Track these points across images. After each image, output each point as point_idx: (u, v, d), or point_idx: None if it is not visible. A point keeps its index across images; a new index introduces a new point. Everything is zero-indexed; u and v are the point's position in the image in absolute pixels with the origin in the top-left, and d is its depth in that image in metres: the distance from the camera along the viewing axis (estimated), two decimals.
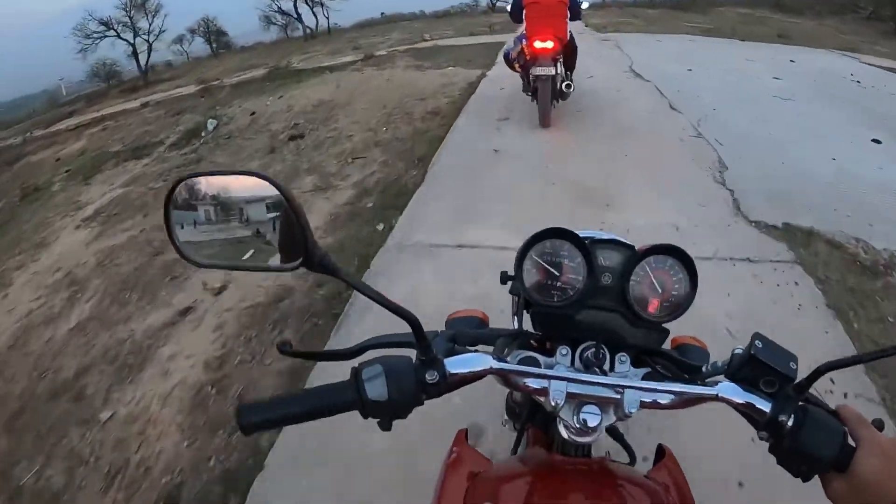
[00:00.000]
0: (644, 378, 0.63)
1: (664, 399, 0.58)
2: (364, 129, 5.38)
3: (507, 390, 0.90)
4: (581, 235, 0.68)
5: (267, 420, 0.53)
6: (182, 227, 0.55)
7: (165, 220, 0.54)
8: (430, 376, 0.55)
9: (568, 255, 0.68)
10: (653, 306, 0.66)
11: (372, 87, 7.05)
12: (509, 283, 0.77)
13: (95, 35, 23.06)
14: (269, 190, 0.51)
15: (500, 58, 6.48)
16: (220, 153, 5.81)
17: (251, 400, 0.54)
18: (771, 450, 0.55)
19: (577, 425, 0.59)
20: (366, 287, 0.52)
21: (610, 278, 0.67)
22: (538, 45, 4.10)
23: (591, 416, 0.58)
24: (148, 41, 24.29)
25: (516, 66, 4.53)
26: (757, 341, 0.55)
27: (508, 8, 4.67)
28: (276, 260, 0.54)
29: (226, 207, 0.54)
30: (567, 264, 0.68)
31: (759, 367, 0.55)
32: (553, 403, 0.58)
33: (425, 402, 0.56)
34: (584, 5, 4.76)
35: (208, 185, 0.54)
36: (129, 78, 23.61)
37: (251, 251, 0.55)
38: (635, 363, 0.65)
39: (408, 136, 4.93)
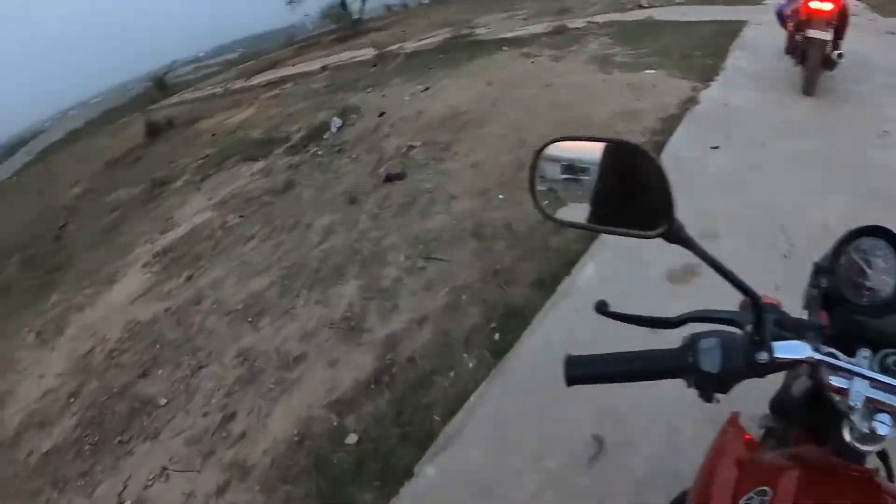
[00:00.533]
0: None
1: None
2: (476, 185, 3.62)
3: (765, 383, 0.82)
4: None
5: (592, 375, 0.57)
6: (544, 185, 0.58)
7: (530, 178, 0.58)
8: (760, 357, 0.56)
9: (882, 256, 0.65)
10: None
11: (527, 95, 5.09)
12: (820, 276, 0.71)
13: None
14: (639, 155, 0.52)
15: (730, 63, 5.07)
16: (315, 178, 4.68)
17: (580, 355, 0.57)
18: None
19: (866, 431, 0.56)
20: (719, 263, 0.53)
21: None
22: (815, 4, 3.80)
23: (882, 426, 0.55)
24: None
25: (789, 24, 4.24)
26: None
27: None
28: (636, 226, 0.53)
29: (590, 171, 0.56)
30: (881, 265, 0.65)
31: None
32: (851, 403, 0.55)
33: (742, 381, 0.56)
34: None
35: (577, 148, 0.57)
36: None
37: (607, 214, 0.56)
38: None
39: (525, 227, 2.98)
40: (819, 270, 0.71)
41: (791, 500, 0.58)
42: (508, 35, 8.88)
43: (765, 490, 0.59)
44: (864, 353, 0.61)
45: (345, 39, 17.13)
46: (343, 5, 20.58)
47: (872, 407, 0.56)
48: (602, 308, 0.60)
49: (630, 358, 0.58)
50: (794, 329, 0.63)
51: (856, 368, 0.57)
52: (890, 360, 0.60)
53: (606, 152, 0.57)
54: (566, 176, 0.59)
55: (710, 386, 0.57)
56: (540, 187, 0.60)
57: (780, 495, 0.58)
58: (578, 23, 8.41)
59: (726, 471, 0.68)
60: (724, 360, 0.55)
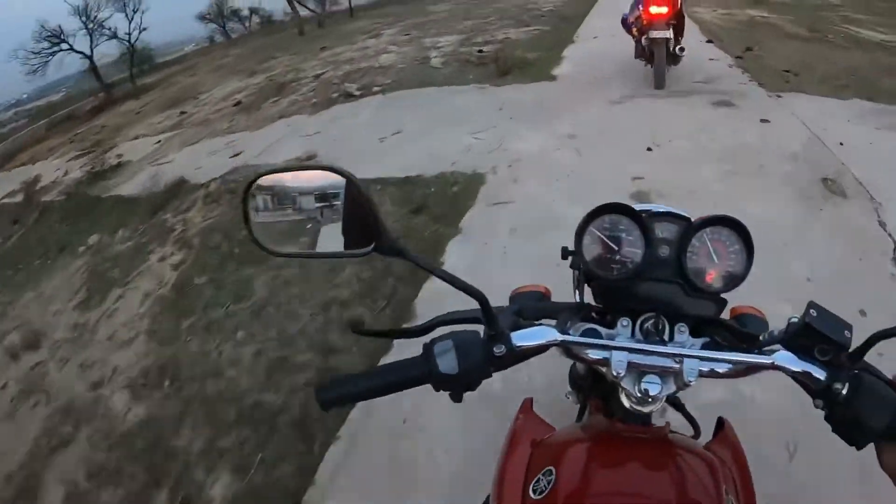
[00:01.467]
0: (703, 347, 0.64)
1: (722, 368, 0.60)
2: None
3: (570, 363, 0.97)
4: (638, 209, 0.70)
5: (343, 396, 0.58)
6: (258, 220, 0.57)
7: (244, 212, 0.58)
8: (498, 349, 0.58)
9: (626, 230, 0.68)
10: (710, 277, 0.67)
11: None
12: (570, 258, 0.78)
13: (45, 52, 17.91)
14: (338, 180, 0.54)
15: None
16: None
17: (329, 379, 0.59)
18: (826, 418, 0.56)
19: (639, 394, 0.61)
20: (436, 268, 0.57)
21: (667, 250, 0.68)
22: (654, 10, 4.41)
23: (652, 386, 0.60)
24: (129, 43, 19.04)
25: (634, 30, 4.83)
26: (812, 310, 0.56)
27: None
28: (348, 246, 0.56)
29: (298, 200, 0.57)
30: (625, 238, 0.68)
31: (813, 335, 0.56)
32: (615, 373, 0.60)
33: (493, 374, 0.59)
34: None
35: (282, 179, 0.58)
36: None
37: (324, 239, 0.57)
38: (694, 333, 0.66)
39: None
40: (568, 252, 0.75)
41: (576, 474, 0.61)
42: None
43: (550, 469, 0.62)
44: (624, 321, 0.66)
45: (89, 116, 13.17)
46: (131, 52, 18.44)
47: (638, 371, 0.61)
48: (355, 327, 0.67)
49: (377, 373, 0.59)
50: (540, 315, 0.68)
51: (596, 341, 0.62)
52: (647, 324, 0.65)
53: (317, 179, 0.58)
54: (280, 207, 0.60)
55: (455, 387, 0.58)
56: (261, 220, 0.60)
57: (564, 472, 0.61)
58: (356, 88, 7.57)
59: (518, 457, 0.71)
60: (460, 359, 0.57)
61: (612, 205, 0.68)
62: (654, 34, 4.46)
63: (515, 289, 0.86)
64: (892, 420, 0.51)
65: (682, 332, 0.65)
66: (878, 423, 0.52)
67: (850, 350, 0.55)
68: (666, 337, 0.64)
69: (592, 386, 0.88)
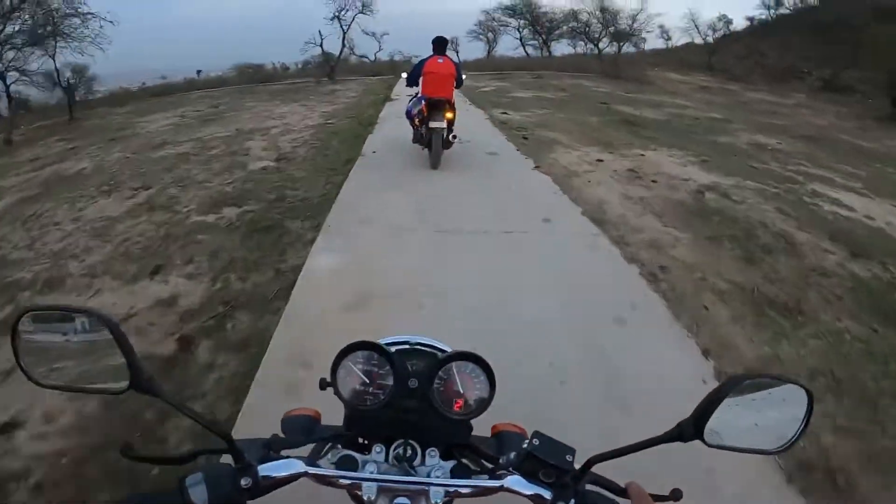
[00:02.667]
0: (453, 469, 0.70)
1: (463, 490, 0.65)
2: None
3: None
4: (393, 341, 0.80)
5: None
6: (27, 352, 0.60)
7: (12, 345, 0.59)
8: (245, 482, 0.60)
9: (377, 364, 0.74)
10: (458, 405, 0.74)
11: None
12: (329, 388, 0.77)
13: None
14: (99, 324, 0.58)
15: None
16: None
17: None
18: None
19: None
20: (185, 407, 0.60)
21: (416, 382, 0.74)
22: (434, 100, 5.43)
23: None
24: None
25: (416, 120, 5.75)
26: (535, 439, 0.63)
27: (405, 76, 6.10)
28: (108, 382, 0.60)
29: (64, 337, 0.61)
30: (377, 371, 0.74)
31: (537, 462, 0.63)
32: (366, 498, 0.63)
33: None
34: (463, 77, 5.93)
35: (51, 317, 0.62)
36: None
37: (87, 374, 0.61)
38: (445, 456, 0.72)
39: None
40: (326, 384, 0.78)
41: None
42: None
43: None
44: (378, 448, 0.71)
45: None
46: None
47: (391, 495, 0.65)
48: (125, 451, 0.62)
49: (133, 502, 0.62)
50: (295, 444, 0.72)
51: (343, 473, 0.66)
52: (398, 450, 0.71)
53: (81, 318, 0.61)
54: (48, 342, 0.62)
55: None
56: (29, 352, 0.61)
57: None
58: None
59: None
60: (210, 491, 0.58)
61: (363, 343, 0.74)
62: (433, 124, 5.46)
63: (287, 412, 0.88)
64: None
65: (433, 457, 0.70)
66: None
67: (573, 471, 0.62)
68: (417, 461, 0.70)
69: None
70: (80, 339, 0.60)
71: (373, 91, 13.97)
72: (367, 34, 24.11)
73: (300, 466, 0.64)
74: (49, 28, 13.36)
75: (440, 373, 0.74)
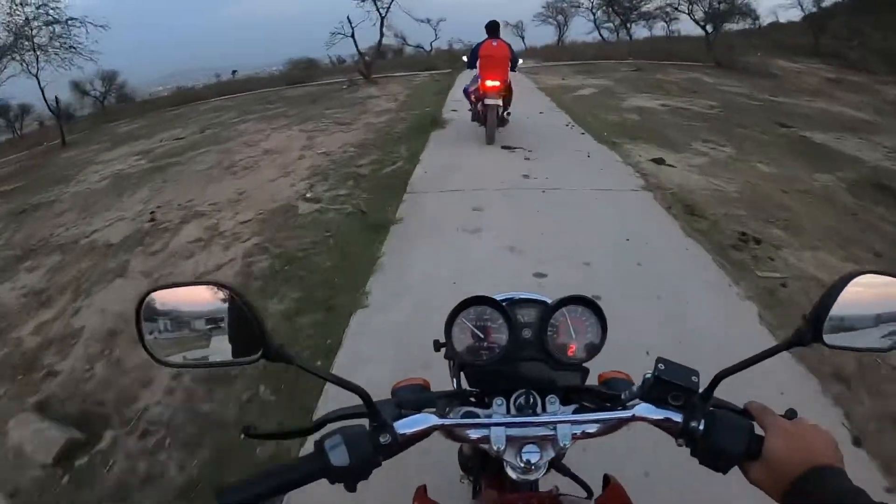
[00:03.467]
0: (574, 413, 0.71)
1: (591, 428, 0.67)
2: None
3: (458, 447, 1.06)
4: (500, 298, 0.79)
5: (244, 500, 0.58)
6: (151, 333, 0.60)
7: (137, 327, 0.60)
8: (384, 439, 0.62)
9: (490, 318, 0.76)
10: (571, 350, 0.75)
11: None
12: (443, 349, 0.82)
13: None
14: (227, 294, 0.58)
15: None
16: None
17: (230, 484, 0.59)
18: (692, 453, 0.63)
19: (521, 464, 0.66)
20: (319, 369, 0.61)
21: (530, 332, 0.76)
22: (489, 83, 5.86)
23: (532, 454, 0.66)
24: None
25: (472, 97, 6.29)
26: (660, 364, 0.64)
27: (465, 59, 6.68)
28: (238, 354, 0.60)
29: (190, 313, 0.60)
30: (490, 326, 0.76)
31: (665, 386, 0.63)
32: (496, 448, 0.65)
33: (383, 462, 0.63)
34: (520, 62, 6.47)
35: (174, 295, 0.61)
36: None
37: (215, 349, 0.61)
38: (564, 402, 0.73)
39: None
40: (440, 345, 0.81)
41: None
42: None
43: None
44: (499, 401, 0.72)
45: None
46: None
47: (518, 443, 0.67)
48: (248, 430, 0.64)
49: (275, 472, 0.61)
50: (420, 405, 0.72)
51: (472, 420, 0.69)
52: (519, 400, 0.72)
53: (205, 293, 0.61)
54: (173, 321, 0.62)
55: (348, 478, 0.61)
56: (154, 333, 0.62)
57: None
58: None
59: None
60: (350, 452, 0.60)
61: (475, 297, 0.76)
62: (488, 101, 5.95)
63: (396, 382, 0.90)
64: (748, 443, 0.60)
65: (553, 403, 0.72)
66: (736, 449, 0.60)
67: (700, 392, 0.63)
68: (539, 410, 0.71)
69: (481, 464, 0.93)
70: (206, 313, 0.60)
71: (417, 100, 10.82)
72: (421, 21, 22.74)
73: (434, 420, 0.66)
74: (24, 41, 12.09)
75: (552, 320, 0.76)
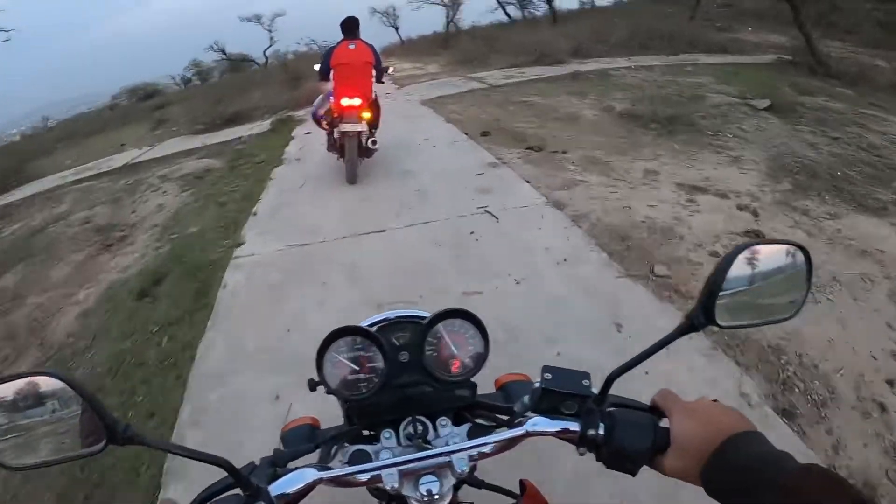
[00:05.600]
0: (469, 433, 0.70)
1: (487, 449, 0.64)
2: None
3: None
4: (374, 321, 0.78)
5: None
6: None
7: None
8: None
9: (362, 347, 0.72)
10: (455, 367, 0.73)
11: None
12: (319, 387, 0.76)
13: None
14: (59, 384, 0.54)
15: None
16: None
17: None
18: (597, 459, 0.62)
19: (424, 497, 0.62)
20: (175, 446, 0.56)
21: (407, 355, 0.73)
22: (345, 101, 4.35)
23: (432, 485, 0.62)
24: None
25: (324, 123, 4.73)
26: (546, 374, 0.62)
27: (317, 67, 4.85)
28: (81, 446, 0.56)
29: (24, 408, 0.56)
30: (364, 355, 0.72)
31: (555, 395, 0.62)
32: (390, 488, 0.61)
33: None
34: (390, 70, 5.04)
35: (4, 391, 0.55)
36: None
37: (58, 443, 0.56)
38: (457, 421, 0.72)
39: None
40: (314, 384, 0.75)
41: None
42: None
43: None
44: (387, 433, 0.70)
45: None
46: None
47: (414, 476, 0.63)
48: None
49: None
50: (301, 454, 0.69)
51: (358, 468, 0.62)
52: (408, 429, 0.69)
53: (38, 386, 0.54)
54: (8, 420, 0.55)
55: None
56: None
57: None
58: None
59: None
60: None
61: (342, 329, 0.72)
62: (346, 128, 4.38)
63: (284, 426, 0.84)
64: (652, 438, 0.58)
65: (445, 426, 0.70)
66: (642, 447, 0.58)
67: (594, 395, 0.62)
68: (431, 435, 0.69)
69: (389, 498, 0.89)
70: (42, 406, 0.55)
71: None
72: (248, 21, 18.84)
73: (313, 474, 0.61)
74: None
75: (428, 338, 0.73)
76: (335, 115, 4.48)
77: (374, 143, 4.69)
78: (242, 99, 11.38)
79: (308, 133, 7.38)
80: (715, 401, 0.58)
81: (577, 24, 15.62)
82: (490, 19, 21.30)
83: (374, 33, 23.29)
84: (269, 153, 6.83)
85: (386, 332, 0.74)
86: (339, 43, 4.64)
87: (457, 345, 0.73)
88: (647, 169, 4.98)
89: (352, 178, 4.70)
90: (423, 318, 0.76)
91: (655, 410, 0.61)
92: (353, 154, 4.55)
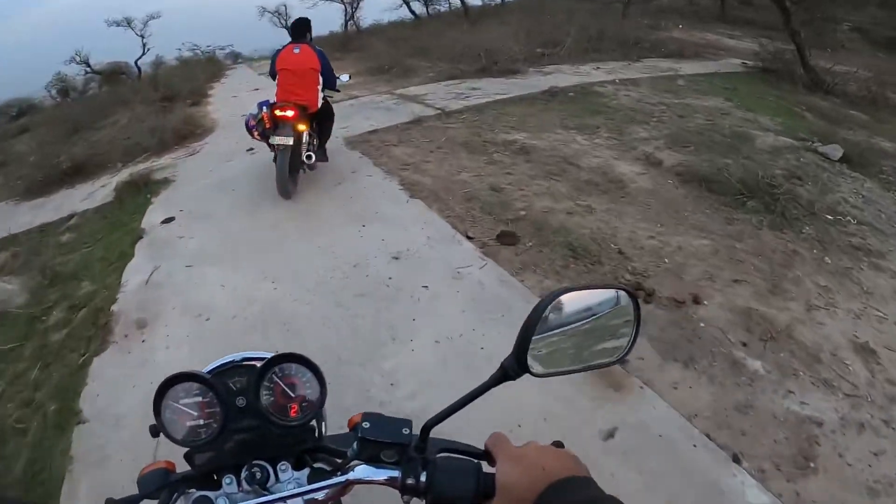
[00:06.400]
0: (309, 476, 0.69)
1: (320, 495, 0.64)
2: None
3: None
4: (215, 366, 0.76)
5: None
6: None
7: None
8: None
9: (200, 392, 0.71)
10: (293, 411, 0.72)
11: None
12: (161, 434, 0.72)
13: None
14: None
15: None
16: None
17: None
18: None
19: None
20: None
21: (244, 400, 0.72)
22: (278, 112, 4.09)
23: None
24: None
25: (255, 133, 4.24)
26: (365, 422, 0.61)
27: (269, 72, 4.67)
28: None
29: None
30: (202, 401, 0.71)
31: (374, 444, 0.61)
32: None
33: None
34: (344, 78, 4.74)
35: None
36: None
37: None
38: (298, 465, 0.71)
39: None
40: (155, 431, 0.72)
41: None
42: None
43: None
44: (227, 479, 0.69)
45: None
46: None
47: None
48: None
49: None
50: (138, 500, 0.66)
51: None
52: (246, 474, 0.68)
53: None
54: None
55: None
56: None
57: None
58: None
59: None
60: None
61: (175, 376, 0.70)
62: (276, 140, 4.06)
63: (141, 471, 0.75)
64: (476, 484, 0.57)
65: (285, 470, 0.69)
66: (465, 495, 0.57)
67: (414, 444, 0.61)
68: (271, 481, 0.68)
69: None
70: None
71: None
72: (114, 24, 16.88)
73: None
74: None
75: (265, 382, 0.72)
76: (267, 125, 4.09)
77: (309, 157, 4.33)
78: (99, 130, 8.78)
79: (168, 220, 4.27)
80: (557, 442, 0.58)
81: (499, 22, 13.29)
82: (390, 17, 19.62)
83: (264, 35, 21.64)
84: (103, 271, 3.81)
85: (224, 376, 0.74)
86: (284, 46, 4.44)
87: (294, 389, 0.72)
88: (855, 343, 2.73)
89: (283, 193, 4.27)
90: (252, 366, 0.75)
91: (489, 455, 0.59)
92: (283, 170, 4.15)
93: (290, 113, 4.04)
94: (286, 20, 21.36)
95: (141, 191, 5.12)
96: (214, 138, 6.83)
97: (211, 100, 10.15)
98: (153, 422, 0.70)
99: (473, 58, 9.21)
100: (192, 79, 12.11)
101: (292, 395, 0.71)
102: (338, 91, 4.74)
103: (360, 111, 7.01)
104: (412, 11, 19.55)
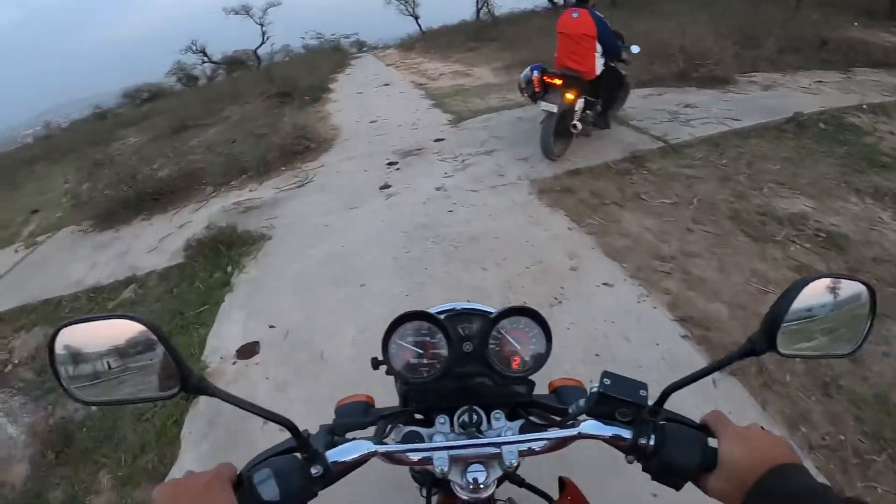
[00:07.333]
0: (521, 428, 0.68)
1: (537, 446, 0.63)
2: None
3: None
4: (440, 310, 0.78)
5: None
6: (67, 371, 0.56)
7: (51, 365, 0.56)
8: (315, 470, 0.58)
9: (428, 333, 0.72)
10: (515, 363, 0.72)
11: None
12: (383, 367, 0.75)
13: None
14: (141, 328, 0.54)
15: None
16: None
17: None
18: (644, 469, 0.60)
19: (469, 484, 0.63)
20: (241, 401, 0.55)
21: (471, 346, 0.73)
22: (547, 79, 4.00)
23: (479, 474, 0.63)
24: None
25: (525, 94, 4.21)
26: (605, 379, 0.60)
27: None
28: (156, 389, 0.56)
29: (104, 348, 0.57)
30: (429, 341, 0.72)
31: (612, 401, 0.60)
32: (439, 471, 0.62)
33: (319, 493, 0.59)
34: (635, 49, 4.28)
35: (87, 330, 0.56)
36: None
37: (133, 384, 0.57)
38: (511, 416, 0.72)
39: None
40: (378, 363, 0.74)
41: None
42: None
43: None
44: (441, 419, 0.69)
45: None
46: None
47: (463, 463, 0.63)
48: None
49: None
50: (357, 427, 0.70)
51: (411, 446, 0.63)
52: (463, 417, 0.67)
53: (119, 328, 0.54)
54: (88, 357, 0.55)
55: None
56: (69, 369, 0.55)
57: None
58: None
59: None
60: (280, 486, 0.55)
61: (410, 313, 0.72)
62: (543, 105, 3.97)
63: (340, 400, 0.84)
64: (701, 456, 0.56)
65: (499, 419, 0.69)
66: (689, 462, 0.56)
67: (649, 406, 0.60)
68: (484, 426, 0.68)
69: (431, 479, 0.83)
70: (121, 347, 0.55)
71: None
72: (232, 13, 16.36)
73: (369, 446, 0.62)
74: None
75: (493, 332, 0.73)
76: (536, 88, 3.99)
77: (575, 126, 4.16)
78: (206, 129, 8.33)
79: (248, 350, 2.61)
80: (762, 428, 0.57)
81: (650, 13, 10.51)
82: (523, 6, 17.56)
83: (391, 23, 21.34)
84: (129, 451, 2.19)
85: (452, 321, 0.74)
86: (566, 9, 4.32)
87: (520, 342, 0.72)
88: None
89: (547, 153, 4.19)
90: (490, 312, 0.76)
91: (705, 429, 0.59)
92: (548, 134, 4.06)
93: (557, 81, 3.92)
94: (413, 7, 20.55)
95: (221, 258, 3.44)
96: (334, 158, 5.22)
97: (333, 95, 8.93)
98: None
99: (664, 57, 6.79)
100: (313, 68, 11.26)
101: (518, 347, 0.72)
102: (625, 62, 4.31)
103: (522, 129, 5.07)
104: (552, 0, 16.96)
